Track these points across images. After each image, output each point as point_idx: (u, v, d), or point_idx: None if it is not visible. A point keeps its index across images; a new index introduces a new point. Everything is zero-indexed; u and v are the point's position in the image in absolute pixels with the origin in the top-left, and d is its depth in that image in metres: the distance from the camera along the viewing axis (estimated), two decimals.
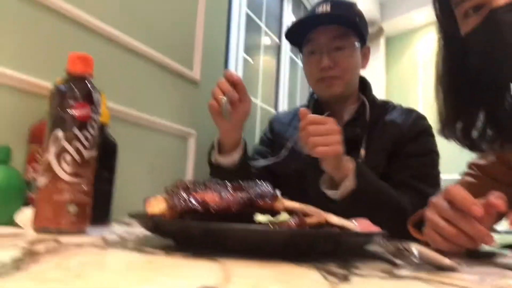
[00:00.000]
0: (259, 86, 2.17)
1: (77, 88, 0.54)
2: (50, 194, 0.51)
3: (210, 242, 0.42)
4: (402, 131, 0.96)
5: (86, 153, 0.54)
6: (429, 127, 0.98)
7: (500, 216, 0.65)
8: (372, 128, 0.97)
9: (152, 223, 0.46)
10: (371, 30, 3.67)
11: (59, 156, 0.52)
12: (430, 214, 0.56)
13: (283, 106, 2.38)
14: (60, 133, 0.52)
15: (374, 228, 0.53)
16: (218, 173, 0.93)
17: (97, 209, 0.58)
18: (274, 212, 0.46)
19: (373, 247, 0.56)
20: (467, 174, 0.83)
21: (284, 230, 0.42)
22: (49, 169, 0.52)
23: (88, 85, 0.55)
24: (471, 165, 0.84)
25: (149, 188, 1.06)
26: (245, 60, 1.94)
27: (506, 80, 0.60)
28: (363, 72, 1.09)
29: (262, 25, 2.22)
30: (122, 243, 0.47)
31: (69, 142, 0.52)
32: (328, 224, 0.46)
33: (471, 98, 0.68)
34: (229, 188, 0.48)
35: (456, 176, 0.86)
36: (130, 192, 0.94)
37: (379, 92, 3.53)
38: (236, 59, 1.82)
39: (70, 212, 0.51)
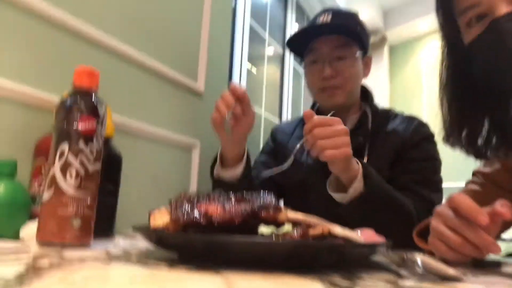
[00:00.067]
0: (263, 96, 2.18)
1: (83, 102, 0.55)
2: (55, 208, 0.51)
3: (213, 254, 0.42)
4: (404, 138, 0.96)
5: (91, 167, 0.54)
6: (430, 134, 0.98)
7: (506, 225, 0.65)
8: (374, 136, 0.97)
9: (155, 236, 0.46)
10: (374, 38, 3.69)
11: (64, 170, 0.52)
12: (435, 223, 0.56)
13: (287, 116, 2.39)
14: (65, 147, 0.53)
15: (378, 238, 0.52)
16: (221, 187, 0.92)
17: (101, 222, 0.58)
18: (277, 224, 0.46)
19: (377, 257, 0.56)
20: (471, 182, 0.83)
21: (287, 242, 0.42)
22: (54, 183, 0.52)
23: (94, 99, 0.56)
24: (476, 173, 0.83)
25: (153, 199, 1.06)
26: (249, 71, 1.96)
27: (510, 88, 0.60)
28: (367, 81, 1.09)
29: (266, 36, 2.24)
30: (125, 257, 0.47)
31: (75, 155, 0.53)
32: (331, 235, 0.46)
33: (475, 106, 0.68)
34: (232, 200, 0.48)
35: (461, 184, 0.85)
36: (134, 204, 0.94)
37: (383, 100, 3.53)
38: (240, 70, 1.84)
39: (74, 226, 0.51)
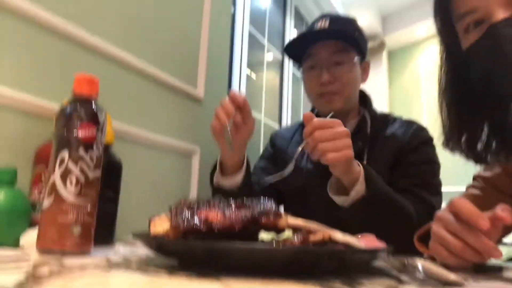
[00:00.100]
0: (262, 102, 2.19)
1: (83, 109, 0.55)
2: (55, 215, 0.51)
3: (213, 261, 0.42)
4: (402, 143, 0.96)
5: (91, 174, 0.54)
6: (429, 138, 0.98)
7: (506, 229, 0.65)
8: (373, 141, 0.97)
9: (155, 243, 0.46)
10: (373, 44, 3.71)
11: (64, 177, 0.52)
12: (435, 227, 0.55)
13: (287, 121, 2.39)
14: (65, 154, 0.53)
15: (379, 244, 0.52)
16: (221, 195, 0.91)
17: (101, 229, 0.58)
18: (277, 230, 0.46)
19: (378, 263, 0.56)
20: (472, 186, 0.83)
21: (288, 248, 0.42)
22: (54, 190, 0.52)
23: (94, 106, 0.56)
24: (477, 177, 0.83)
25: (153, 206, 1.06)
26: (248, 77, 1.96)
27: (508, 93, 0.61)
28: (366, 86, 1.10)
29: (265, 42, 2.25)
30: (125, 264, 0.47)
31: (75, 163, 0.53)
32: (332, 241, 0.46)
33: (474, 111, 0.68)
34: (233, 206, 0.48)
35: (461, 188, 0.85)
36: (134, 211, 0.94)
37: (383, 105, 3.54)
38: (239, 76, 1.84)
39: (74, 234, 0.51)
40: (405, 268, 0.44)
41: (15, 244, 0.56)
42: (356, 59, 1.01)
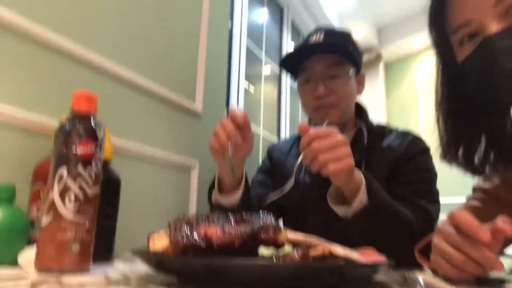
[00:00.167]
0: (261, 115, 2.19)
1: (82, 126, 0.55)
2: (54, 233, 0.51)
3: (213, 278, 0.42)
4: (398, 154, 0.96)
5: (90, 191, 0.54)
6: (425, 148, 0.97)
7: (507, 241, 0.64)
8: (370, 153, 0.97)
9: (154, 260, 0.46)
10: (369, 56, 3.74)
11: (63, 194, 0.52)
12: (436, 240, 0.55)
13: (286, 134, 2.40)
14: (64, 171, 0.53)
15: (379, 257, 0.52)
16: (219, 212, 0.90)
17: (100, 246, 0.57)
18: (277, 245, 0.46)
19: (379, 277, 0.55)
20: (472, 198, 0.83)
21: (288, 264, 0.41)
22: (52, 207, 0.52)
23: (93, 123, 0.56)
24: (476, 189, 0.83)
25: (152, 221, 1.05)
26: (246, 90, 1.97)
27: (504, 105, 0.61)
28: (364, 98, 1.10)
29: (263, 55, 2.27)
30: (124, 281, 0.46)
31: (73, 180, 0.53)
32: (332, 255, 0.45)
33: (471, 122, 0.68)
34: (232, 222, 0.48)
35: (460, 199, 0.85)
36: (133, 227, 0.93)
37: (381, 117, 3.55)
38: (237, 90, 1.85)
39: (73, 251, 0.51)
40: (406, 282, 0.43)
41: (13, 262, 0.56)
42: (351, 72, 1.02)
